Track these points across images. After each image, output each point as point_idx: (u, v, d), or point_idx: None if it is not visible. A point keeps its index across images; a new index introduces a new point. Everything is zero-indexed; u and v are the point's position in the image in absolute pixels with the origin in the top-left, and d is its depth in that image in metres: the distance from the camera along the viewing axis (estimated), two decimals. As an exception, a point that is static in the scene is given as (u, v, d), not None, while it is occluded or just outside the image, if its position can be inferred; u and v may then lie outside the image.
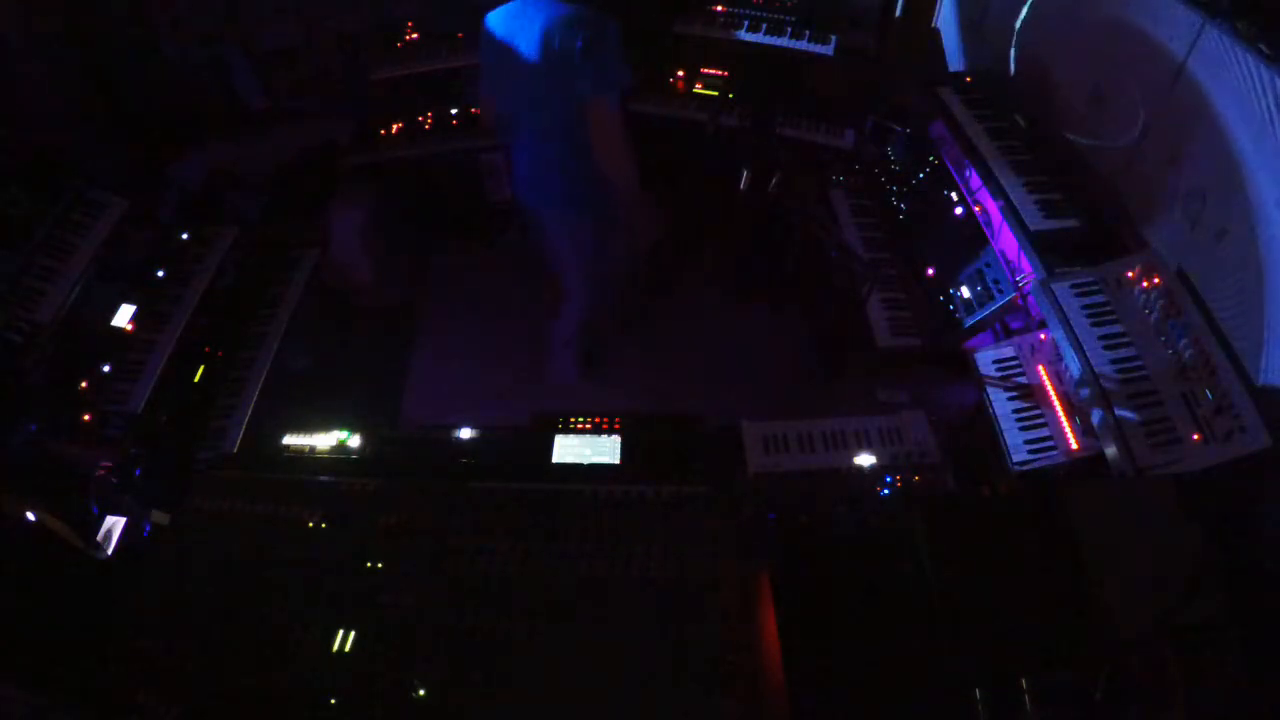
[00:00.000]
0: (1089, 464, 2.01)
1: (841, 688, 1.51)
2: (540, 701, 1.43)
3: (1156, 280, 2.03)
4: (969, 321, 2.58)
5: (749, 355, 3.49)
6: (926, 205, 3.02)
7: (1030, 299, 2.39)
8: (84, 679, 1.54)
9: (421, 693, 1.44)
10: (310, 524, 1.74)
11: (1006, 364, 2.31)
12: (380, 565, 1.65)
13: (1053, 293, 2.12)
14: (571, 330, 3.19)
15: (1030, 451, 2.09)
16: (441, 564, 1.63)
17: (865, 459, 2.05)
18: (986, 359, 2.34)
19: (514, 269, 3.89)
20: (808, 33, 3.44)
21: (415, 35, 3.59)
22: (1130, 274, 2.08)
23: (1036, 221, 2.32)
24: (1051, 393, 2.17)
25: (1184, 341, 1.91)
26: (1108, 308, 2.06)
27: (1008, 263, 2.59)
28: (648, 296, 3.78)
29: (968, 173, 2.88)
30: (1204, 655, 1.41)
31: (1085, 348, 2.00)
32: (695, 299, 3.80)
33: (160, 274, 2.75)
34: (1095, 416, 1.92)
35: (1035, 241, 2.31)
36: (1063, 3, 2.62)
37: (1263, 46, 1.79)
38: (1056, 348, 2.15)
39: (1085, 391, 1.97)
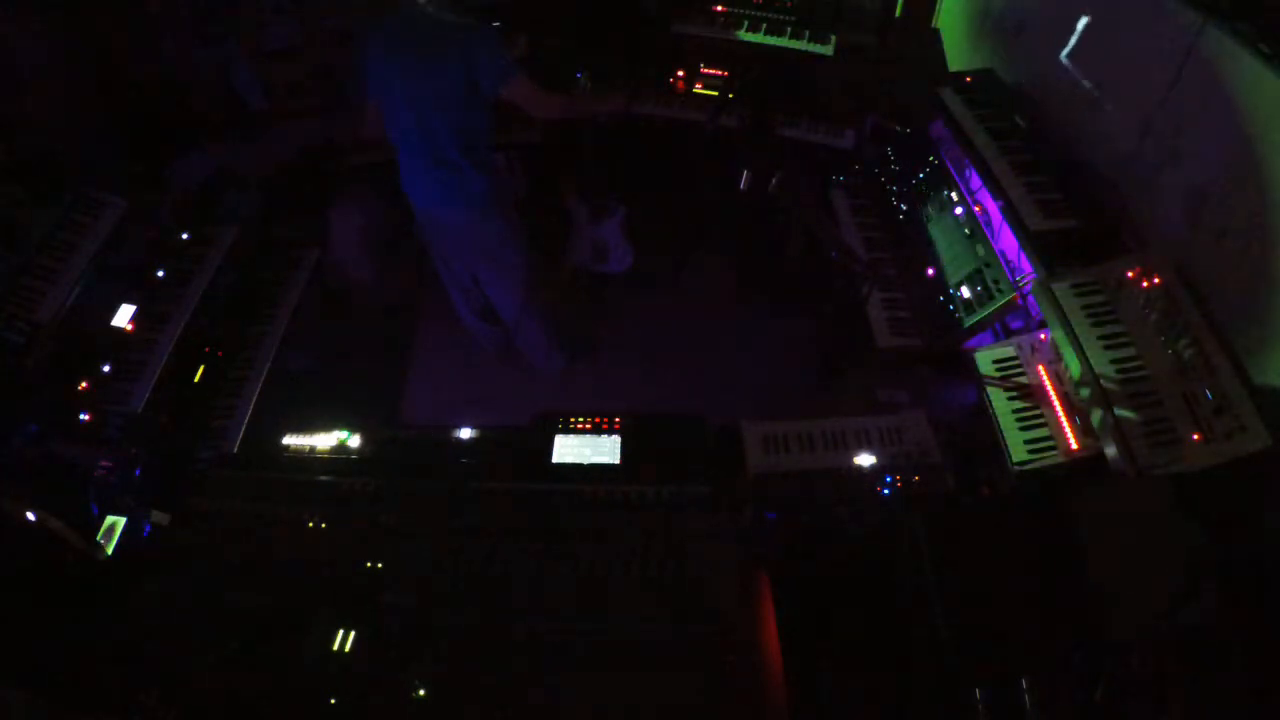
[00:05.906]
0: (1089, 464, 2.01)
1: (841, 688, 1.52)
2: (540, 701, 1.43)
3: (1156, 280, 2.03)
4: (969, 321, 2.58)
5: (749, 355, 3.49)
6: (926, 205, 3.02)
7: (1030, 299, 2.39)
8: (84, 679, 1.54)
9: (421, 693, 1.44)
10: (310, 524, 1.74)
11: (1006, 364, 2.31)
12: (380, 565, 1.65)
13: (1053, 293, 2.12)
14: (530, 319, 3.17)
15: (1030, 451, 2.09)
16: (441, 564, 1.63)
17: (865, 459, 2.05)
18: (986, 359, 2.34)
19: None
20: (807, 33, 3.44)
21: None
22: (1130, 274, 2.08)
23: (1036, 221, 2.32)
24: (1051, 393, 2.17)
25: (1184, 341, 1.91)
26: (1108, 308, 2.06)
27: (1008, 263, 2.59)
28: (648, 295, 3.78)
29: (968, 173, 2.88)
30: (1204, 655, 1.41)
31: (1085, 348, 2.00)
32: (695, 299, 3.80)
33: (160, 274, 2.75)
34: (1095, 416, 1.92)
35: (1035, 241, 2.31)
36: (1062, 2, 2.62)
37: (1262, 46, 1.79)
38: (1056, 348, 2.15)
39: (1085, 391, 1.97)
